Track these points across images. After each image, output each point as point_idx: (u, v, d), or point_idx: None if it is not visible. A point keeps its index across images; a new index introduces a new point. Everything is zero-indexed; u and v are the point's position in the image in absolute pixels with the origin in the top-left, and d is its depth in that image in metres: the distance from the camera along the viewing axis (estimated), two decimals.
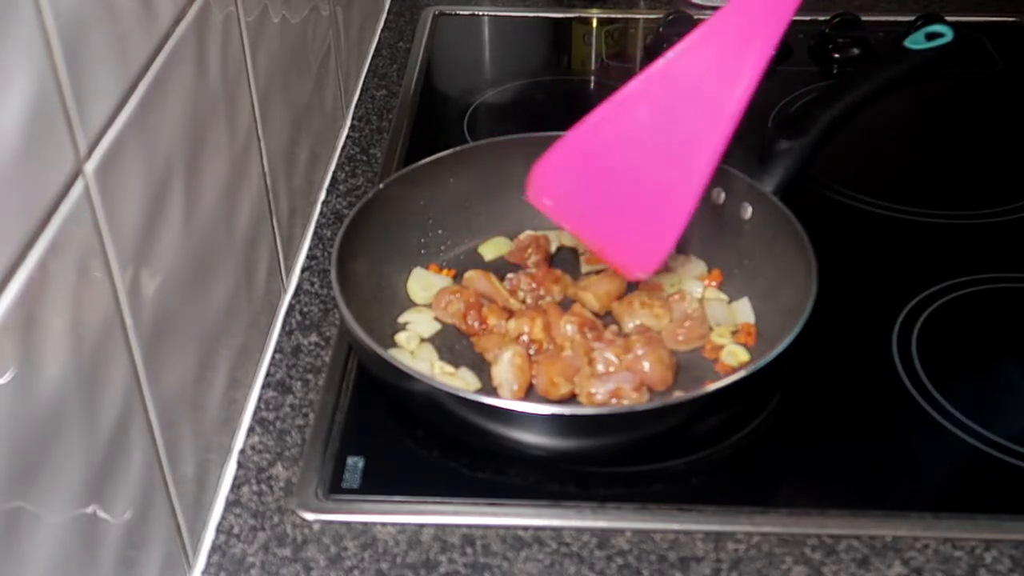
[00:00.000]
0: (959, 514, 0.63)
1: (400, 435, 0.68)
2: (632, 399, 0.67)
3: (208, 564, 0.61)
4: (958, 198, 0.90)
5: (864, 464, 0.67)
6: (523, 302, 0.76)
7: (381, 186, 0.79)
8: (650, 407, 0.64)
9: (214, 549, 0.62)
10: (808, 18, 1.13)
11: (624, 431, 0.64)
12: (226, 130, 0.66)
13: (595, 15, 1.19)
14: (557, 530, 0.62)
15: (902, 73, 1.00)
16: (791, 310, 0.68)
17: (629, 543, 0.62)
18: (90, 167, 0.47)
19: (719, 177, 0.74)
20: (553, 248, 0.82)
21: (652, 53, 1.11)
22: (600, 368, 0.69)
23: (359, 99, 1.04)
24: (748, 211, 0.77)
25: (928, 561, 0.60)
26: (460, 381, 0.70)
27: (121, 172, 0.50)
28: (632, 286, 0.77)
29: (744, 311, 0.75)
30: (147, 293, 0.54)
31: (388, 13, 1.20)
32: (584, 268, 0.80)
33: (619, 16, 1.19)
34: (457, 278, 0.79)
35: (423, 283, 0.78)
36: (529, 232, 0.82)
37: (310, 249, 0.85)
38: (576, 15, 1.20)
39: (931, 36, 1.00)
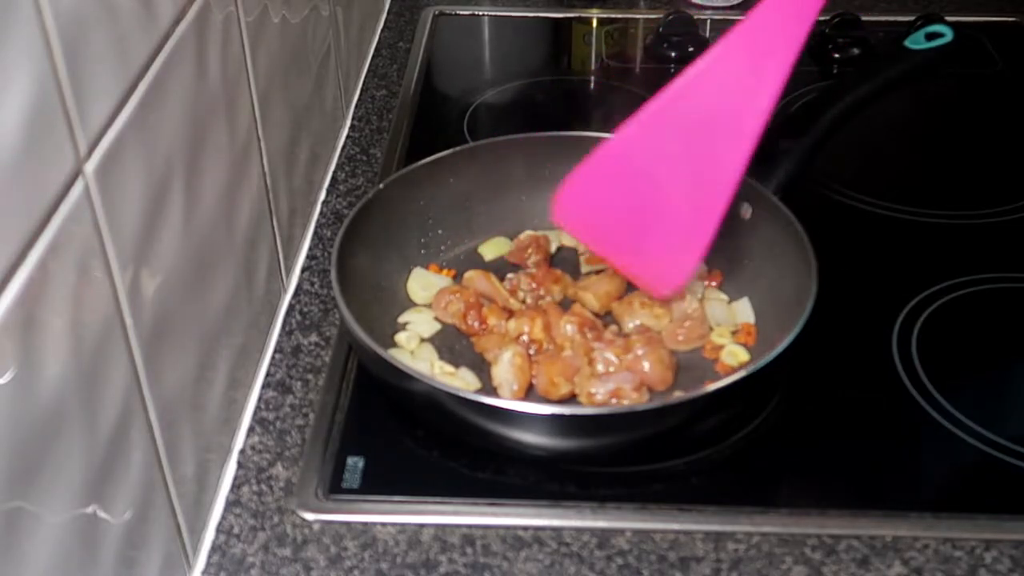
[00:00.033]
0: (959, 514, 0.63)
1: (400, 435, 0.68)
2: (632, 399, 0.67)
3: (208, 564, 0.61)
4: (958, 198, 0.90)
5: (864, 464, 0.67)
6: (523, 302, 0.76)
7: (381, 186, 0.79)
8: (650, 407, 0.64)
9: (214, 549, 0.62)
10: None
11: (624, 431, 0.64)
12: (226, 130, 0.66)
13: (595, 15, 1.19)
14: (557, 530, 0.62)
15: (902, 73, 1.00)
16: (791, 310, 0.68)
17: (629, 543, 0.62)
18: (90, 167, 0.47)
19: None
20: (553, 248, 0.82)
21: (652, 53, 1.11)
22: (600, 368, 0.69)
23: (359, 99, 1.04)
24: (748, 211, 0.77)
25: (928, 561, 0.60)
26: (460, 381, 0.70)
27: (121, 172, 0.50)
28: (632, 286, 0.77)
29: (744, 311, 0.75)
30: (147, 293, 0.54)
31: (388, 13, 1.20)
32: (584, 268, 0.80)
33: (619, 16, 1.19)
34: (457, 278, 0.79)
35: (423, 283, 0.78)
36: (529, 232, 0.82)
37: (310, 249, 0.85)
38: (576, 15, 1.20)
39: (931, 36, 1.00)
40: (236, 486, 0.65)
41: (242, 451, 0.68)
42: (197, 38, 0.61)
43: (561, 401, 0.68)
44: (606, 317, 0.76)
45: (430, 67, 1.09)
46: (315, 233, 0.86)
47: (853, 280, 0.79)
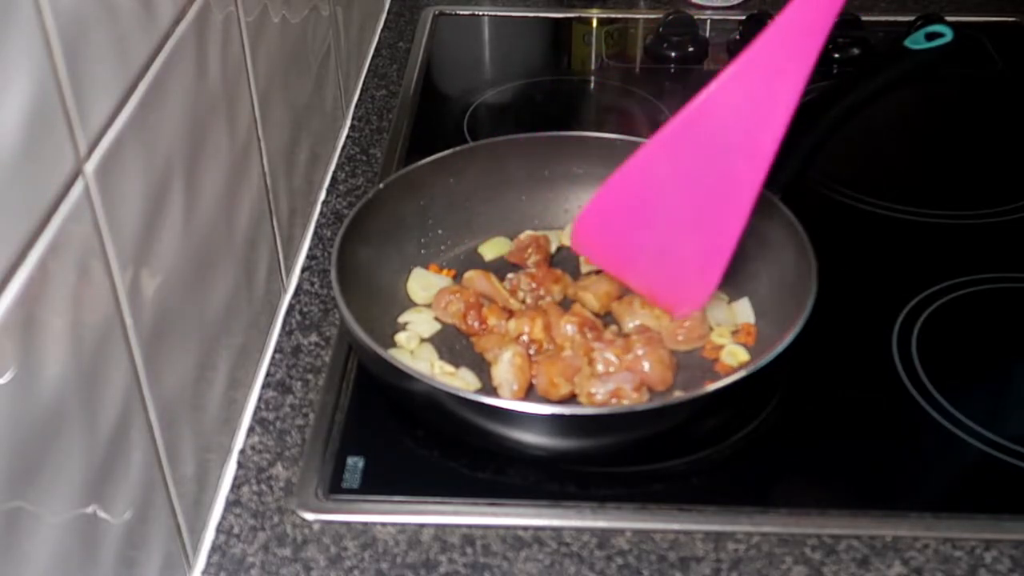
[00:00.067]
0: (959, 514, 0.63)
1: (400, 435, 0.68)
2: (632, 399, 0.67)
3: (208, 564, 0.61)
4: (958, 198, 0.90)
5: (864, 464, 0.67)
6: (523, 302, 0.76)
7: (381, 186, 0.79)
8: (650, 407, 0.64)
9: (214, 549, 0.62)
10: None
11: (624, 431, 0.64)
12: (226, 130, 0.66)
13: (595, 15, 1.19)
14: (557, 530, 0.62)
15: (902, 73, 1.00)
16: (791, 310, 0.68)
17: (629, 543, 0.62)
18: (90, 167, 0.47)
19: None
20: (553, 248, 0.82)
21: (652, 53, 1.11)
22: (600, 368, 0.69)
23: (359, 99, 1.04)
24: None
25: (928, 561, 0.60)
26: (460, 381, 0.70)
27: (121, 172, 0.50)
28: None
29: (744, 311, 0.75)
30: (147, 293, 0.54)
31: (388, 13, 1.20)
32: (584, 268, 0.80)
33: (619, 16, 1.19)
34: (457, 278, 0.79)
35: (423, 283, 0.78)
36: (529, 232, 0.82)
37: (310, 249, 0.85)
38: (576, 15, 1.20)
39: (931, 36, 1.01)
40: (236, 486, 0.65)
41: (242, 451, 0.68)
42: (197, 38, 0.61)
43: (561, 401, 0.68)
44: (606, 317, 0.76)
45: (430, 67, 1.09)
46: (315, 233, 0.86)
47: (853, 280, 0.79)
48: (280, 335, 0.76)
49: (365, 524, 0.63)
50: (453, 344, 0.74)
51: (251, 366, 0.72)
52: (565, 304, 0.76)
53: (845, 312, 0.76)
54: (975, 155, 0.97)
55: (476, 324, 0.74)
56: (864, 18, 1.12)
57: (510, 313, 0.74)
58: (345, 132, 0.99)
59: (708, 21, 1.17)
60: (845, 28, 1.09)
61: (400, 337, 0.74)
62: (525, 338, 0.72)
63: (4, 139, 0.40)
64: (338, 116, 0.97)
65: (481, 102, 1.04)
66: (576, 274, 0.80)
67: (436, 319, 0.76)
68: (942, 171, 0.95)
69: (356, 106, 1.02)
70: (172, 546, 0.58)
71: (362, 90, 1.05)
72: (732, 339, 0.73)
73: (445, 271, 0.80)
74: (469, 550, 0.61)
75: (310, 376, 0.73)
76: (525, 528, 0.62)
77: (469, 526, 0.63)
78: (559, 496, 0.64)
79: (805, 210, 0.74)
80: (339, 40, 0.97)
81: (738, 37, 1.11)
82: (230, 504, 0.64)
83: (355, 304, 0.68)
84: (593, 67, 1.13)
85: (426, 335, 0.75)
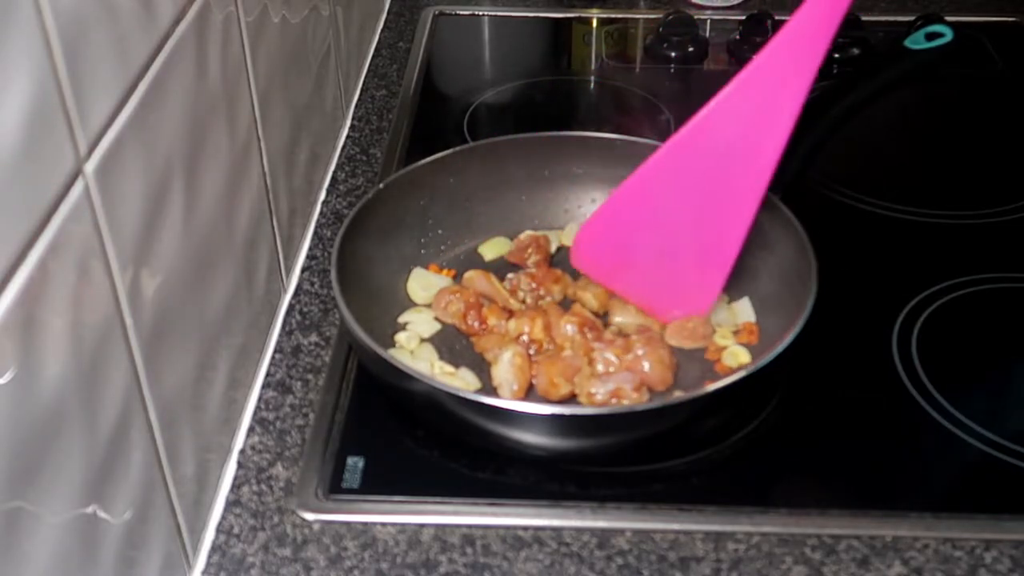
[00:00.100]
0: (959, 514, 0.63)
1: (400, 435, 0.68)
2: (632, 399, 0.67)
3: (208, 564, 0.61)
4: (958, 198, 0.90)
5: (864, 464, 0.67)
6: (523, 302, 0.76)
7: (381, 186, 0.79)
8: (650, 407, 0.64)
9: (214, 549, 0.62)
10: None
11: (624, 431, 0.64)
12: (226, 130, 0.66)
13: (595, 15, 1.19)
14: (557, 530, 0.62)
15: (902, 73, 1.00)
16: (791, 310, 0.68)
17: (629, 543, 0.62)
18: (90, 167, 0.47)
19: None
20: (553, 248, 0.82)
21: (652, 53, 1.11)
22: (600, 368, 0.69)
23: (359, 99, 1.04)
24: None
25: (928, 561, 0.60)
26: (460, 381, 0.70)
27: (121, 172, 0.50)
28: None
29: (745, 310, 0.75)
30: (147, 293, 0.54)
31: (388, 13, 1.20)
32: None
33: (619, 16, 1.19)
34: (457, 278, 0.79)
35: (423, 283, 0.78)
36: (529, 232, 0.82)
37: (310, 249, 0.85)
38: (576, 15, 1.20)
39: (931, 36, 1.01)
40: (236, 486, 0.65)
41: (242, 451, 0.68)
42: (197, 38, 0.61)
43: (561, 401, 0.68)
44: (605, 316, 0.76)
45: (430, 67, 1.09)
46: (315, 233, 0.86)
47: (853, 280, 0.79)
48: (280, 335, 0.76)
49: (365, 524, 0.63)
50: (453, 344, 0.74)
51: (251, 366, 0.72)
52: (565, 304, 0.76)
53: (845, 312, 0.76)
54: (975, 155, 0.97)
55: (476, 324, 0.74)
56: (864, 18, 1.12)
57: (510, 313, 0.74)
58: (345, 132, 0.99)
59: (708, 21, 1.17)
60: (845, 28, 1.08)
61: (400, 337, 0.74)
62: (525, 338, 0.72)
63: (4, 139, 0.40)
64: (338, 116, 0.97)
65: (481, 102, 1.04)
66: (576, 274, 0.79)
67: (436, 319, 0.76)
68: (942, 171, 0.95)
69: (356, 106, 1.02)
70: (172, 546, 0.58)
71: (362, 90, 1.05)
72: (734, 339, 0.73)
73: (445, 271, 0.80)
74: (469, 550, 0.61)
75: (310, 376, 0.73)
76: (525, 528, 0.62)
77: (469, 526, 0.63)
78: (559, 496, 0.64)
79: (805, 210, 0.74)
80: (339, 40, 0.97)
81: (738, 37, 1.11)
82: (230, 504, 0.64)
83: (355, 304, 0.68)
84: (593, 67, 1.13)
85: (426, 335, 0.75)
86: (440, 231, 0.82)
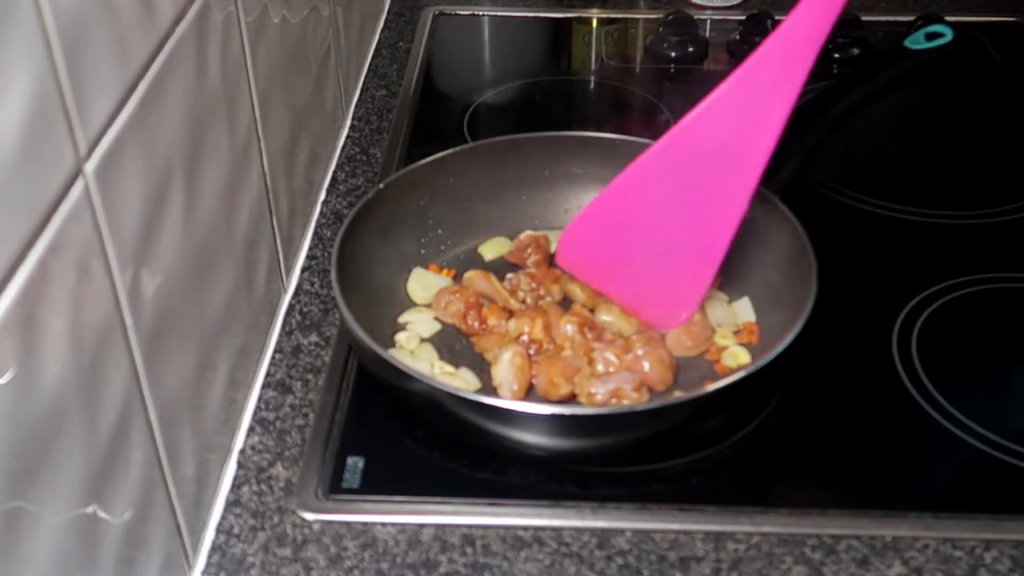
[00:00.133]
0: (959, 514, 0.63)
1: (400, 435, 0.68)
2: (632, 399, 0.67)
3: (208, 564, 0.61)
4: (958, 198, 0.90)
5: (864, 464, 0.67)
6: (523, 302, 0.76)
7: (381, 186, 0.79)
8: (650, 407, 0.64)
9: (214, 549, 0.62)
10: None
11: (624, 431, 0.64)
12: (226, 130, 0.66)
13: (595, 15, 1.19)
14: (557, 530, 0.62)
15: (902, 73, 1.00)
16: (791, 310, 0.68)
17: (629, 543, 0.62)
18: (90, 167, 0.47)
19: None
20: (553, 248, 0.82)
21: (652, 53, 1.11)
22: (600, 368, 0.69)
23: (359, 99, 1.04)
24: (748, 211, 0.77)
25: (928, 561, 0.60)
26: (460, 381, 0.70)
27: (121, 172, 0.50)
28: None
29: (745, 310, 0.75)
30: (147, 293, 0.54)
31: (388, 13, 1.20)
32: None
33: (619, 16, 1.19)
34: (457, 278, 0.79)
35: (423, 283, 0.78)
36: (529, 232, 0.82)
37: (310, 249, 0.85)
38: (576, 15, 1.20)
39: (931, 36, 1.01)
40: (236, 486, 0.65)
41: (242, 451, 0.68)
42: (197, 38, 0.61)
43: (561, 401, 0.68)
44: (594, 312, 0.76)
45: (430, 67, 1.09)
46: (315, 233, 0.86)
47: (853, 280, 0.79)
48: (280, 335, 0.76)
49: (365, 524, 0.63)
50: (453, 344, 0.74)
51: (251, 366, 0.72)
52: (565, 304, 0.76)
53: (845, 312, 0.76)
54: (975, 155, 0.97)
55: (476, 324, 0.74)
56: (864, 18, 1.12)
57: (510, 313, 0.74)
58: (345, 132, 0.99)
59: (708, 21, 1.17)
60: (845, 28, 1.09)
61: (400, 337, 0.74)
62: (525, 338, 0.72)
63: (4, 139, 0.40)
64: (338, 116, 0.97)
65: (481, 102, 1.04)
66: None
67: (436, 319, 0.76)
68: (942, 171, 0.95)
69: (356, 106, 1.02)
70: (172, 546, 0.58)
71: (362, 90, 1.05)
72: (735, 340, 0.73)
73: (445, 271, 0.80)
74: (469, 550, 0.61)
75: (310, 376, 0.73)
76: (525, 528, 0.62)
77: (469, 526, 0.63)
78: (559, 496, 0.64)
79: (805, 210, 0.74)
80: (339, 40, 0.97)
81: (738, 37, 1.11)
82: (230, 504, 0.64)
83: (355, 304, 0.68)
84: (593, 67, 1.13)
85: (426, 335, 0.75)
86: (440, 231, 0.82)
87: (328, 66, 0.93)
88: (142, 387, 0.53)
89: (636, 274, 0.74)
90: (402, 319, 0.76)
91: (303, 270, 0.82)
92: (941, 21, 1.04)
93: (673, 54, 1.10)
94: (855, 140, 0.96)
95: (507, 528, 0.62)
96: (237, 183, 0.68)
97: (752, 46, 0.68)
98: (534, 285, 0.76)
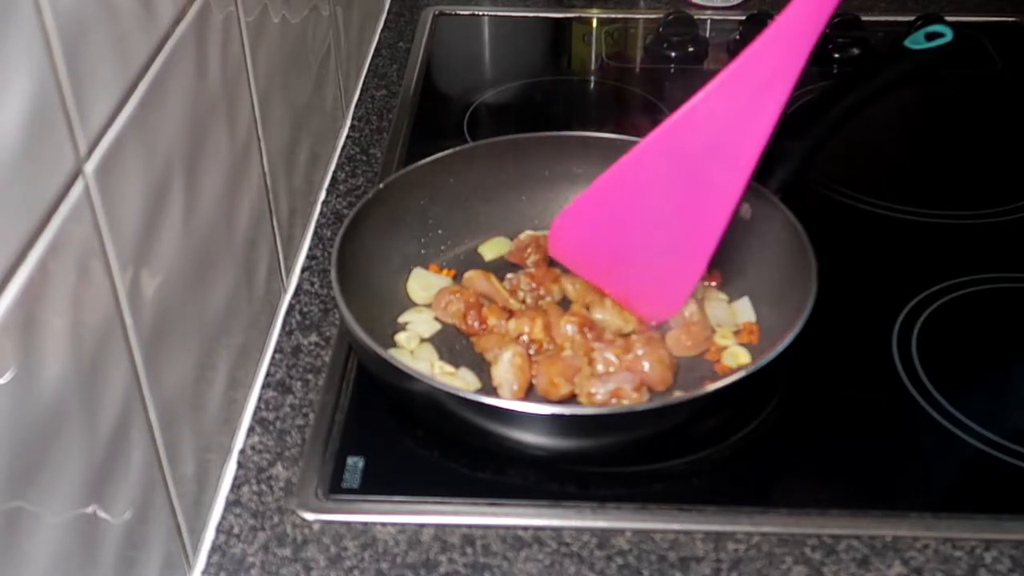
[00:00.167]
0: (959, 514, 0.63)
1: (400, 435, 0.68)
2: (632, 399, 0.67)
3: (208, 564, 0.61)
4: (958, 198, 0.90)
5: (864, 464, 0.67)
6: (523, 302, 0.76)
7: (381, 186, 0.79)
8: (650, 407, 0.64)
9: (214, 549, 0.62)
10: None
11: (624, 431, 0.64)
12: (226, 130, 0.66)
13: (595, 15, 1.19)
14: (557, 530, 0.62)
15: (902, 73, 1.00)
16: (791, 310, 0.68)
17: (629, 543, 0.62)
18: (90, 167, 0.47)
19: None
20: None
21: (652, 53, 1.11)
22: (600, 368, 0.69)
23: (359, 99, 1.04)
24: (748, 211, 0.77)
25: (928, 561, 0.60)
26: (460, 381, 0.70)
27: (121, 172, 0.50)
28: None
29: (745, 310, 0.75)
30: (147, 293, 0.54)
31: (388, 13, 1.20)
32: None
33: (619, 16, 1.19)
34: (457, 278, 0.79)
35: (423, 283, 0.78)
36: (529, 232, 0.82)
37: (310, 249, 0.85)
38: (576, 15, 1.20)
39: (931, 36, 1.01)
40: (236, 486, 0.65)
41: (242, 451, 0.68)
42: (197, 38, 0.61)
43: (561, 401, 0.68)
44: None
45: (430, 67, 1.09)
46: (315, 233, 0.86)
47: (853, 280, 0.79)
48: (280, 335, 0.76)
49: (365, 524, 0.63)
50: (453, 344, 0.74)
51: (251, 366, 0.72)
52: (565, 304, 0.76)
53: (845, 312, 0.76)
54: (975, 155, 0.97)
55: (476, 324, 0.74)
56: (864, 18, 1.12)
57: (510, 313, 0.75)
58: (345, 132, 0.99)
59: (708, 21, 1.17)
60: (845, 28, 1.10)
61: (400, 337, 0.74)
62: (525, 338, 0.72)
63: (4, 139, 0.40)
64: (338, 116, 0.97)
65: (481, 102, 1.04)
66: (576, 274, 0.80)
67: (436, 319, 0.76)
68: (942, 171, 0.95)
69: (356, 106, 1.02)
70: (172, 546, 0.58)
71: (362, 90, 1.05)
72: (735, 340, 0.73)
73: (445, 271, 0.80)
74: (469, 550, 0.61)
75: (310, 376, 0.73)
76: (525, 528, 0.62)
77: (469, 526, 0.63)
78: (559, 496, 0.64)
79: (805, 210, 0.74)
80: (339, 40, 0.97)
81: (738, 37, 1.11)
82: (230, 504, 0.64)
83: (355, 304, 0.68)
84: (593, 67, 1.13)
85: (426, 335, 0.75)
86: (440, 231, 0.82)
87: (328, 66, 0.93)
88: (142, 387, 0.53)
89: (626, 265, 0.74)
90: (402, 319, 0.76)
91: (303, 270, 0.82)
92: (941, 21, 1.04)
93: (673, 54, 1.10)
94: (855, 140, 0.96)
95: (507, 528, 0.62)
96: (237, 183, 0.68)
97: None
98: (534, 285, 0.76)
